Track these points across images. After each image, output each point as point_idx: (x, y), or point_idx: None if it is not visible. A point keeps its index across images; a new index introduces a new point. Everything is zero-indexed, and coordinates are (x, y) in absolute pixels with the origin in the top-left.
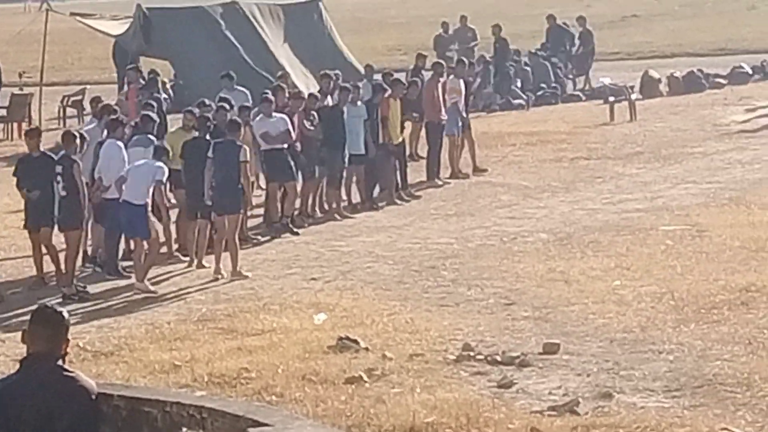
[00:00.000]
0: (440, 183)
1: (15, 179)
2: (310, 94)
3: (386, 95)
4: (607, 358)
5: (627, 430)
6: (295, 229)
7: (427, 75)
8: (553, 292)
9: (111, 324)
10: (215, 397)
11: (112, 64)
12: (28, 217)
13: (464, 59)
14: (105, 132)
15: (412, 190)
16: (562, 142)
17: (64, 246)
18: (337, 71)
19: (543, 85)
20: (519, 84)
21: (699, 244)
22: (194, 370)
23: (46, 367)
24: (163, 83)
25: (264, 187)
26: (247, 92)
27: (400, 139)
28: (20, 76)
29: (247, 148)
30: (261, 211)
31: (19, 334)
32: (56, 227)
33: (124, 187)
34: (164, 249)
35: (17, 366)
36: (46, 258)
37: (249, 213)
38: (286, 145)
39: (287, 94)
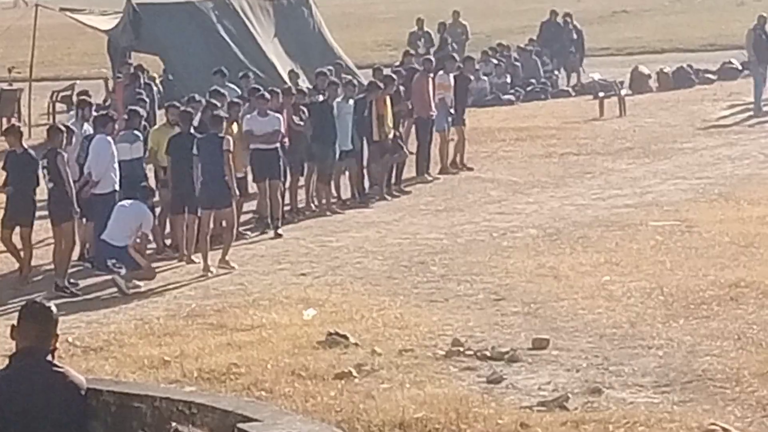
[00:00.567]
0: (430, 178)
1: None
2: (299, 90)
3: (381, 93)
4: (597, 353)
5: (616, 425)
6: (279, 232)
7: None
8: (543, 288)
9: (100, 319)
10: (205, 393)
11: (102, 59)
12: (6, 213)
13: (455, 55)
14: (91, 126)
15: (401, 185)
16: (552, 137)
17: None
18: (331, 67)
19: (532, 81)
20: (509, 79)
21: (688, 239)
22: (183, 365)
23: (35, 363)
24: (153, 78)
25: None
26: (238, 89)
27: (392, 134)
28: (9, 71)
29: (230, 139)
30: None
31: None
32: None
33: (109, 225)
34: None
35: (6, 362)
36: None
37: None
38: (275, 145)
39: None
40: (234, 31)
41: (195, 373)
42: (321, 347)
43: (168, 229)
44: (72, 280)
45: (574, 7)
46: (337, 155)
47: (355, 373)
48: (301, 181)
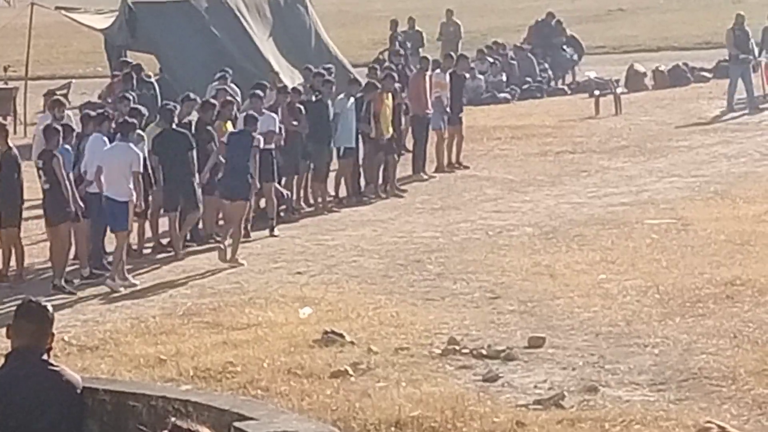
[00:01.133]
0: (426, 177)
1: None
2: (294, 88)
3: (379, 91)
4: (593, 351)
5: (612, 423)
6: (275, 232)
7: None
8: (539, 286)
9: (96, 318)
10: (201, 391)
11: (98, 58)
12: None
13: (452, 54)
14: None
15: (398, 184)
16: (548, 135)
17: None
18: (331, 66)
19: (528, 79)
20: (504, 78)
21: (684, 237)
22: (180, 364)
23: (32, 362)
24: (149, 77)
25: None
26: (238, 90)
27: (390, 133)
28: (5, 70)
29: (261, 138)
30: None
31: (4, 329)
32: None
33: (103, 180)
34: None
35: (1, 361)
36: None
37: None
38: (270, 146)
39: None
40: (229, 29)
41: (191, 371)
42: (317, 346)
43: (166, 227)
44: (68, 278)
45: (569, 5)
46: (341, 153)
47: (351, 372)
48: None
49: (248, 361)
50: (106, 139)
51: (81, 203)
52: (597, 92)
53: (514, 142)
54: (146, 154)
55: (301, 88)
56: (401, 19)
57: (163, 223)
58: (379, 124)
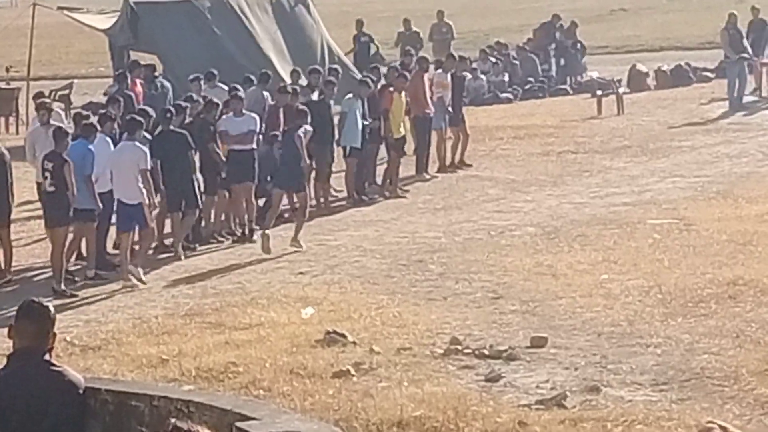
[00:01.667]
0: (428, 177)
1: None
2: (293, 89)
3: (389, 89)
4: (595, 351)
5: (614, 423)
6: (254, 237)
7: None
8: (541, 286)
9: (98, 318)
10: (203, 392)
11: (99, 58)
12: None
13: (454, 54)
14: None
15: (400, 184)
16: (550, 135)
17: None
18: (337, 66)
19: (530, 79)
20: (507, 78)
21: (686, 237)
22: (182, 364)
23: (34, 362)
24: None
25: None
26: (227, 90)
27: (402, 133)
28: (7, 70)
29: (310, 129)
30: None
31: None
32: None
33: (114, 183)
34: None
35: (4, 361)
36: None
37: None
38: (250, 146)
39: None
40: (232, 29)
41: (193, 371)
42: (319, 346)
43: (168, 228)
44: (71, 277)
45: (571, 5)
46: (347, 152)
47: (353, 372)
48: None
49: (250, 361)
50: (109, 139)
51: (100, 203)
52: (599, 92)
53: (516, 142)
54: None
55: (297, 88)
56: (400, 20)
57: (166, 224)
58: (388, 122)
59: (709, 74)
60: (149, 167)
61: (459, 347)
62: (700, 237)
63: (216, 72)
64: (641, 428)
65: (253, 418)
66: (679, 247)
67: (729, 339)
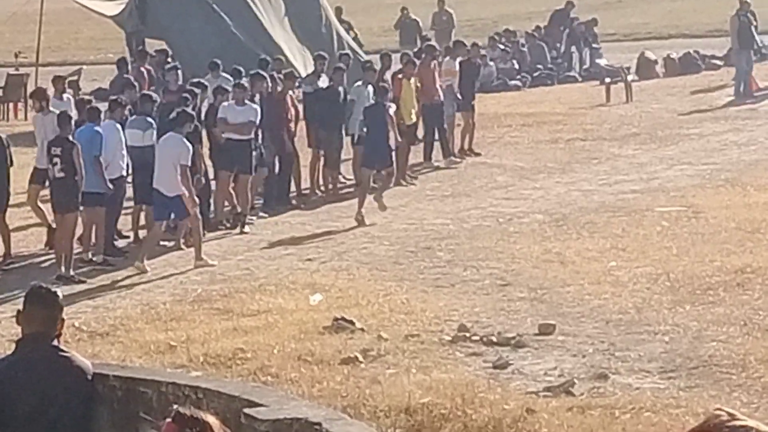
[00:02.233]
0: (436, 164)
1: None
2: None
3: (399, 75)
4: (603, 339)
5: (622, 410)
6: (245, 229)
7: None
8: (549, 273)
9: (107, 304)
10: (211, 378)
11: (108, 44)
12: None
13: (463, 41)
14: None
15: (408, 171)
16: (558, 123)
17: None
18: (347, 52)
19: (539, 66)
20: (516, 65)
21: (695, 225)
22: (190, 350)
23: (42, 348)
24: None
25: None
26: (231, 79)
27: (413, 120)
28: (16, 56)
29: (394, 106)
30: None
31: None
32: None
33: (156, 172)
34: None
35: (12, 347)
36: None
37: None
38: (248, 137)
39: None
40: (240, 15)
41: (201, 358)
42: (327, 332)
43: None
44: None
45: None
46: (356, 140)
47: (361, 359)
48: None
49: (258, 348)
50: (118, 125)
51: (110, 186)
52: (608, 80)
53: (524, 129)
54: (155, 140)
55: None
56: (413, 6)
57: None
58: (399, 110)
59: (717, 62)
60: (189, 164)
61: (467, 334)
62: (709, 225)
63: (219, 62)
64: (649, 416)
65: (261, 405)
66: (688, 235)
67: (737, 327)
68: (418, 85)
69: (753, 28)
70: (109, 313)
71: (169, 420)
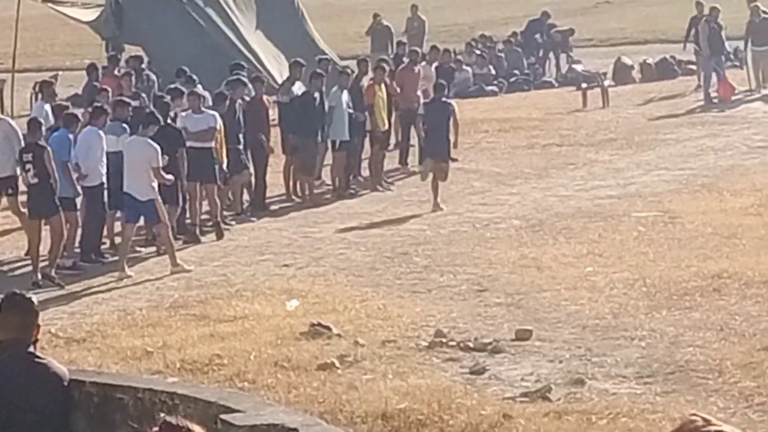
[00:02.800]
0: (413, 169)
1: None
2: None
3: (371, 82)
4: (580, 344)
5: (599, 416)
6: (199, 236)
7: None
8: (526, 279)
9: (83, 310)
10: (187, 384)
11: (85, 50)
12: None
13: (438, 46)
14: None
15: (385, 177)
16: (535, 128)
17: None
18: (326, 57)
19: (516, 72)
20: (492, 70)
21: (671, 230)
22: (166, 356)
23: (18, 354)
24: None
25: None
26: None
27: (386, 127)
28: None
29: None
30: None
31: None
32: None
33: (125, 176)
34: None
35: None
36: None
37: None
38: (209, 144)
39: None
40: (216, 21)
41: (178, 364)
42: (304, 338)
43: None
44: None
45: None
46: (337, 146)
47: (337, 364)
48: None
49: (235, 354)
50: (101, 133)
51: (80, 190)
52: (584, 85)
53: (501, 134)
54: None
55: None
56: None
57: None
58: (373, 116)
59: (693, 67)
60: (161, 165)
61: (444, 340)
62: (685, 230)
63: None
64: (626, 421)
65: (238, 411)
66: (664, 240)
67: (713, 332)
68: (397, 90)
69: (723, 34)
70: (85, 320)
71: (156, 429)
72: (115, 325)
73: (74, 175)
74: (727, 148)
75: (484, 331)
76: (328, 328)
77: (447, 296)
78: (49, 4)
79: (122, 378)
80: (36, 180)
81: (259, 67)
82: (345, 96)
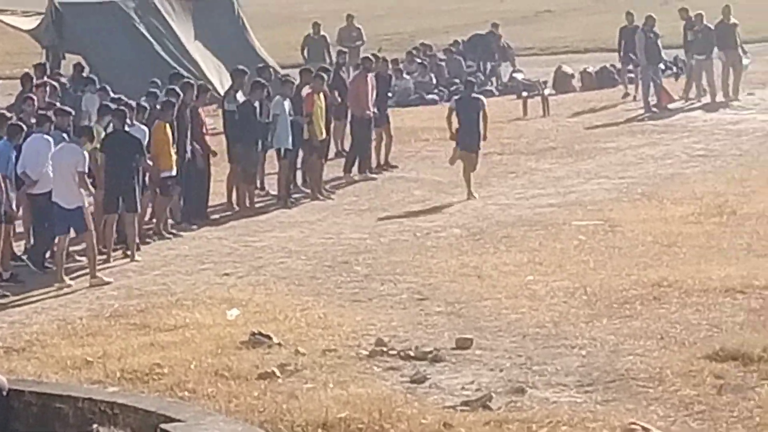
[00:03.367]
0: (354, 177)
1: None
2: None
3: (310, 91)
4: (520, 353)
5: (540, 424)
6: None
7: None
8: (466, 287)
9: (23, 320)
10: (127, 393)
11: (24, 59)
12: None
13: (377, 54)
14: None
15: (326, 185)
16: None
17: None
18: (268, 65)
19: (456, 80)
20: (433, 79)
21: (611, 239)
22: (106, 365)
23: None
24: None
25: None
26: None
27: (324, 136)
28: None
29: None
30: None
31: None
32: None
33: (53, 182)
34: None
35: None
36: None
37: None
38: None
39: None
40: (157, 30)
41: (118, 373)
42: (244, 347)
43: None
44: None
45: (497, 6)
46: (282, 154)
47: (278, 373)
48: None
49: (175, 363)
50: (50, 138)
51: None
52: (525, 94)
53: (442, 143)
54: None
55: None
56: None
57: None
58: (311, 125)
59: (633, 76)
60: (87, 170)
61: (384, 348)
62: (625, 238)
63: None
64: (566, 429)
65: (178, 420)
66: (604, 249)
67: (654, 340)
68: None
69: (659, 43)
70: (25, 329)
71: None
72: (55, 335)
73: (26, 183)
74: (667, 157)
75: (425, 339)
76: (268, 337)
77: (387, 305)
78: None
79: (62, 388)
80: None
81: (199, 75)
82: (287, 104)
